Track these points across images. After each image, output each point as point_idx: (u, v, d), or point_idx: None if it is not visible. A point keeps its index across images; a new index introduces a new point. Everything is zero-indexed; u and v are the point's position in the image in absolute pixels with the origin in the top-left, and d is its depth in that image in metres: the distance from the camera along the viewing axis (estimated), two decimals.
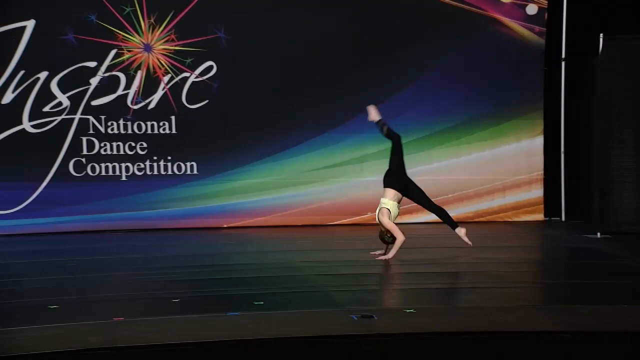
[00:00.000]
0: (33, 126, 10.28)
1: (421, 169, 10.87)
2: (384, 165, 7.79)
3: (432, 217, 8.81)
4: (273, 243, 9.71)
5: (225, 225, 10.97)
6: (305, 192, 11.15)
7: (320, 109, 10.98)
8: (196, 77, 10.49)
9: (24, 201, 10.24)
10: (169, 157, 10.65)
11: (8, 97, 10.24)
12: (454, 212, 9.65)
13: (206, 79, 10.61)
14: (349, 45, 10.79)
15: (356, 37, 10.82)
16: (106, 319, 5.32)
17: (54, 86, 10.37)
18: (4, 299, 6.30)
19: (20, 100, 10.43)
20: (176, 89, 10.76)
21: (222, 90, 10.82)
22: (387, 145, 7.76)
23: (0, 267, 7.98)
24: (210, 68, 10.67)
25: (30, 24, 10.24)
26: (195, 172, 10.72)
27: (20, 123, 10.39)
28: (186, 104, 10.65)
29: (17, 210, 10.21)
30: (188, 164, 10.71)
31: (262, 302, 5.72)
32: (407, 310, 5.39)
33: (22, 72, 10.26)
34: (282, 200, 11.18)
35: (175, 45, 10.63)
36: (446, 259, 8.03)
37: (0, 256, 8.69)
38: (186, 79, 10.56)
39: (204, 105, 10.69)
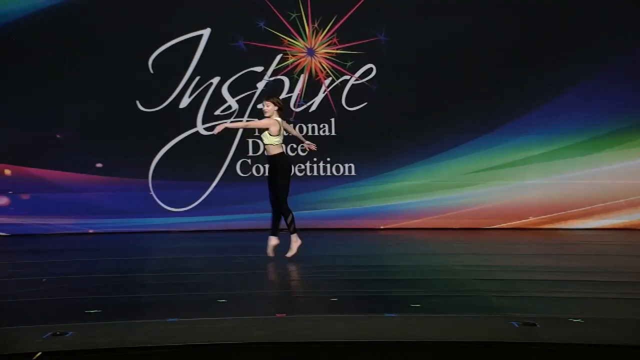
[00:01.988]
0: (205, 129, 10.58)
1: (590, 172, 10.43)
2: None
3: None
4: (429, 245, 9.57)
5: (382, 227, 10.99)
6: (463, 195, 11.01)
7: (478, 111, 10.81)
8: (356, 80, 10.65)
9: (196, 200, 10.61)
10: (328, 159, 10.80)
11: (185, 101, 10.64)
12: (628, 218, 9.16)
13: (365, 81, 10.71)
14: (510, 47, 10.54)
15: (518, 39, 10.57)
16: (269, 314, 5.47)
17: (224, 91, 10.67)
18: (177, 292, 6.46)
19: (195, 105, 10.76)
20: (336, 91, 10.89)
21: (381, 93, 10.92)
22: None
23: (173, 261, 8.33)
24: (369, 71, 10.74)
25: (206, 33, 10.61)
26: (353, 173, 10.84)
27: (195, 126, 10.77)
28: (345, 106, 10.83)
29: (190, 208, 10.53)
30: (346, 165, 10.88)
31: (419, 305, 5.65)
32: (574, 320, 5.13)
33: (197, 78, 10.61)
34: (439, 202, 11.04)
35: (337, 49, 10.75)
36: (612, 268, 7.62)
37: (174, 252, 9.10)
38: (346, 81, 10.72)
39: (363, 107, 10.81)
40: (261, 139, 8.23)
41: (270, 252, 7.86)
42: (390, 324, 5.09)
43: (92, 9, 10.55)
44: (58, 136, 10.58)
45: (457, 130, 10.84)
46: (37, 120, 10.58)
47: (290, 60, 10.67)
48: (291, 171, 8.07)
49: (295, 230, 7.91)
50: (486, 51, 10.76)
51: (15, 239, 10.02)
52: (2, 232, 10.38)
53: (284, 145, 8.14)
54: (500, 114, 10.81)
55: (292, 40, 10.76)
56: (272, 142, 7.85)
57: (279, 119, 7.96)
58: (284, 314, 5.36)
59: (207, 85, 10.63)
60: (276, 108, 7.86)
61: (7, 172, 10.32)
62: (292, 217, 7.76)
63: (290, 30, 10.80)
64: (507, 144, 10.82)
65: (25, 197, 10.36)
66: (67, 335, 4.96)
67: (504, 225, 10.86)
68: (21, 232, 10.30)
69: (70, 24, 10.56)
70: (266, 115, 7.85)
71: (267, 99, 7.92)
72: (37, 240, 9.93)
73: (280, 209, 7.75)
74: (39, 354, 4.47)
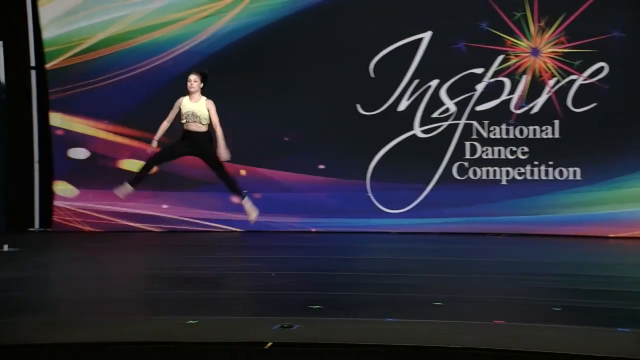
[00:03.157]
0: (422, 131, 10.33)
1: None
2: None
3: None
4: None
5: (610, 235, 9.94)
6: None
7: None
8: (584, 80, 9.92)
9: (413, 202, 10.35)
10: (551, 162, 10.14)
11: (403, 104, 10.29)
12: None
13: (595, 81, 9.88)
14: None
15: None
16: (483, 320, 5.20)
17: (442, 93, 10.29)
18: (394, 292, 6.24)
19: (412, 108, 10.34)
20: (562, 92, 9.96)
21: (613, 93, 9.85)
22: None
23: (390, 262, 7.99)
24: (600, 69, 9.88)
25: (427, 36, 10.20)
26: (578, 177, 10.05)
27: (412, 129, 10.35)
28: (571, 107, 9.97)
29: (407, 210, 10.36)
30: (571, 169, 10.05)
31: None
32: None
33: (416, 81, 10.25)
34: None
35: (564, 48, 9.90)
36: None
37: (391, 252, 8.68)
38: (573, 81, 9.93)
39: (591, 108, 9.90)
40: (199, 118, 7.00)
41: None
42: (622, 340, 4.70)
43: (320, 16, 10.32)
44: (286, 139, 10.45)
45: None
46: (268, 123, 10.36)
47: (513, 61, 10.12)
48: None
49: None
50: None
51: (249, 235, 10.14)
52: (238, 228, 10.37)
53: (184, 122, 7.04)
54: None
55: (516, 41, 10.08)
56: None
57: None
58: (503, 321, 5.11)
59: (425, 88, 10.30)
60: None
61: (243, 172, 10.33)
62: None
63: (513, 30, 10.08)
64: None
65: (257, 196, 10.13)
66: (293, 328, 4.89)
67: None
68: (254, 228, 9.89)
69: (301, 31, 10.32)
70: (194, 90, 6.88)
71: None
72: (267, 236, 10.00)
73: None
74: (270, 344, 4.50)
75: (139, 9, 10.41)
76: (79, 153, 10.38)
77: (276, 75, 10.52)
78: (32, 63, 10.32)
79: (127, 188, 7.01)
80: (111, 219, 10.51)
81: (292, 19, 10.55)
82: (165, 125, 7.32)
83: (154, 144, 7.13)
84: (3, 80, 8.42)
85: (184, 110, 6.87)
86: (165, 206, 10.55)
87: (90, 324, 5.03)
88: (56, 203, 10.48)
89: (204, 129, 6.94)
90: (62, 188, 10.30)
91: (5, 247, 8.14)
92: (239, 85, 10.52)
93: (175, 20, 10.46)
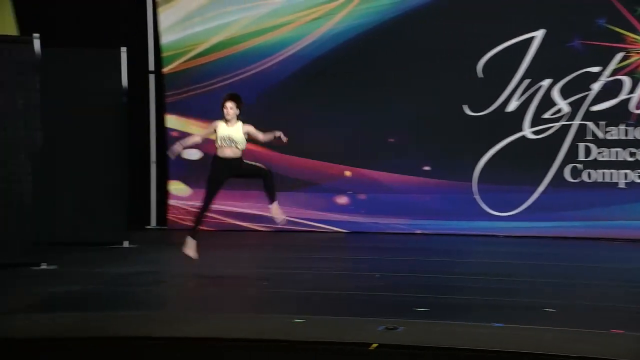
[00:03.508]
0: (533, 132, 9.83)
1: None
2: None
3: None
4: None
5: None
6: None
7: None
8: None
9: (522, 204, 9.90)
10: None
11: (513, 105, 9.83)
12: None
13: None
14: None
15: None
16: (601, 328, 4.90)
17: (555, 93, 9.75)
18: (503, 297, 5.95)
19: (522, 108, 9.85)
20: None
21: None
22: None
23: (499, 266, 7.57)
24: None
25: (539, 34, 9.71)
26: None
27: (521, 130, 9.81)
28: None
29: (515, 213, 9.93)
30: None
31: None
32: None
33: (527, 81, 9.79)
34: None
35: None
36: None
37: (499, 256, 8.25)
38: None
39: None
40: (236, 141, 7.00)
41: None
42: None
43: (428, 16, 10.05)
44: (391, 140, 10.12)
45: None
46: (374, 125, 10.09)
47: (634, 59, 9.60)
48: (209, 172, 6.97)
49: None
50: None
51: (353, 236, 9.94)
52: (342, 229, 10.20)
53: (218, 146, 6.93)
54: None
55: (637, 37, 9.56)
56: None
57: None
58: (622, 331, 4.83)
59: (537, 88, 9.82)
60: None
61: (348, 173, 10.22)
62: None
63: (635, 27, 9.50)
64: None
65: (362, 197, 10.27)
66: (399, 330, 4.71)
67: None
68: (358, 229, 10.13)
69: (408, 32, 9.99)
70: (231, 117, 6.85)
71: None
72: (372, 237, 9.77)
73: None
74: (375, 345, 4.41)
75: (250, 13, 10.37)
76: (193, 154, 10.65)
77: (383, 77, 10.35)
78: (151, 67, 10.13)
79: (192, 243, 6.94)
80: (222, 218, 10.74)
81: (400, 20, 10.30)
82: (197, 140, 7.32)
83: (177, 151, 7.11)
84: (125, 84, 8.84)
85: (220, 135, 6.69)
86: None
87: (198, 320, 5.15)
88: (171, 202, 10.85)
89: (239, 154, 6.83)
90: (176, 187, 10.58)
91: (126, 244, 8.53)
92: (345, 87, 10.41)
93: (284, 24, 10.45)
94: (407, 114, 9.80)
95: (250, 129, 6.86)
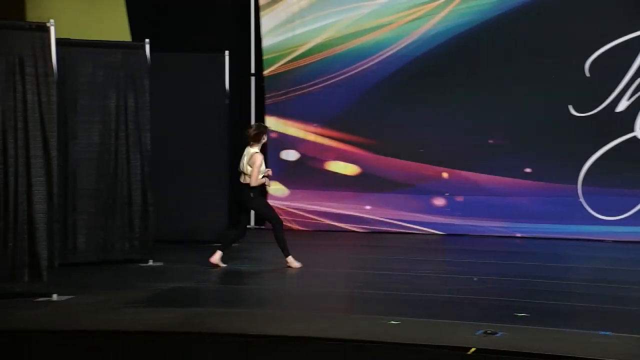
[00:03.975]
0: None
1: None
2: None
3: None
4: None
5: None
6: None
7: None
8: None
9: (631, 209, 9.64)
10: None
11: (622, 105, 9.53)
12: None
13: None
14: None
15: None
16: None
17: None
18: (610, 304, 5.82)
19: (633, 108, 9.48)
20: None
21: None
22: None
23: (605, 272, 7.35)
24: None
25: None
26: None
27: (632, 130, 9.49)
28: None
29: (624, 218, 9.64)
30: None
31: None
32: None
33: (638, 80, 9.52)
34: None
35: None
36: None
37: (605, 262, 8.07)
38: None
39: None
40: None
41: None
42: None
43: (531, 15, 9.78)
44: (490, 141, 9.91)
45: None
46: (473, 125, 9.90)
47: None
48: (263, 202, 7.34)
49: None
50: None
51: (450, 238, 9.77)
52: (438, 230, 10.02)
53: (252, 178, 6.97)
54: None
55: None
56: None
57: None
58: None
59: None
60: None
61: (445, 175, 10.07)
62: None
63: None
64: None
65: (459, 199, 10.10)
66: (498, 335, 4.61)
67: None
68: (455, 231, 9.94)
69: (510, 31, 9.76)
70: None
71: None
72: (468, 240, 9.58)
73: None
74: (473, 349, 4.33)
75: (350, 14, 10.37)
76: (290, 155, 10.84)
77: (483, 77, 10.17)
78: (252, 70, 10.33)
79: (219, 255, 7.27)
80: (318, 218, 10.84)
81: (501, 19, 10.05)
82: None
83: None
84: (227, 87, 9.08)
85: (264, 168, 7.30)
86: (367, 207, 10.75)
87: (297, 319, 5.18)
88: (269, 202, 11.07)
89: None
90: (275, 188, 10.79)
91: None
92: (445, 87, 10.29)
93: (384, 24, 10.41)
94: (508, 115, 9.55)
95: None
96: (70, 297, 5.68)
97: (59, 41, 5.82)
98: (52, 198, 5.44)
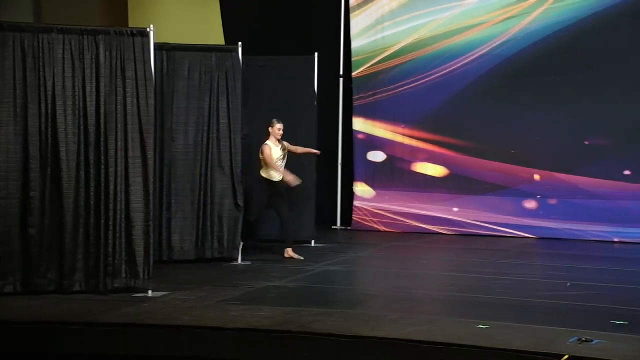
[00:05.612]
0: None
1: None
2: None
3: None
4: None
5: None
6: None
7: None
8: None
9: None
10: None
11: None
12: None
13: None
14: None
15: None
16: None
17: None
18: None
19: None
20: None
21: None
22: None
23: None
24: None
25: None
26: None
27: None
28: None
29: None
30: None
31: None
32: None
33: None
34: None
35: None
36: None
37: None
38: None
39: None
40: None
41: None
42: None
43: (630, 12, 9.64)
44: (587, 142, 9.73)
45: None
46: (569, 125, 9.74)
47: None
48: (255, 189, 7.64)
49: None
50: None
51: (543, 242, 9.58)
52: (530, 234, 9.86)
53: (267, 170, 7.63)
54: None
55: None
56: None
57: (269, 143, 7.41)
58: None
59: None
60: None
61: (537, 177, 9.90)
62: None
63: None
64: None
65: (552, 201, 9.91)
66: (593, 342, 4.52)
67: None
68: (548, 235, 9.72)
69: (608, 30, 9.67)
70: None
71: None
72: (564, 244, 9.38)
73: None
74: (566, 356, 4.23)
75: (441, 15, 10.27)
76: (377, 156, 10.85)
77: (579, 76, 9.89)
78: (341, 72, 10.41)
79: (290, 249, 7.78)
80: (404, 220, 10.82)
81: (598, 17, 9.83)
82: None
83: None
84: (316, 88, 9.22)
85: (276, 156, 7.48)
86: (455, 209, 10.64)
87: (389, 321, 5.19)
88: (355, 203, 11.14)
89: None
90: (361, 189, 10.79)
91: (313, 242, 8.87)
92: (539, 87, 10.03)
93: (476, 24, 10.28)
94: (605, 115, 9.28)
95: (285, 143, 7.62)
96: (165, 293, 5.87)
97: (157, 45, 6.05)
98: (148, 197, 5.65)
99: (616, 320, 5.22)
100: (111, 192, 5.62)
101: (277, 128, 7.62)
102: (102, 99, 5.60)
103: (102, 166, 5.63)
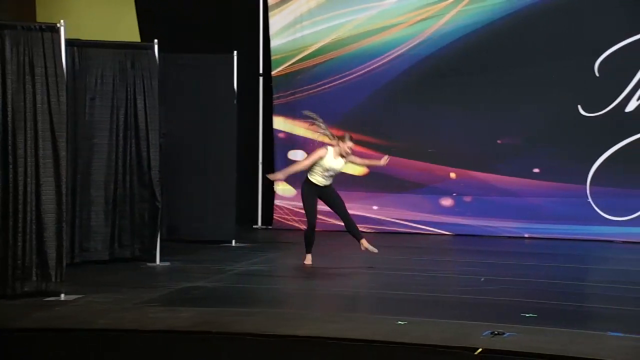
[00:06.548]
0: None
1: None
2: None
3: None
4: None
5: None
6: None
7: None
8: None
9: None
10: None
11: (632, 104, 9.52)
12: None
13: None
14: None
15: None
16: None
17: None
18: (622, 305, 5.81)
19: None
20: None
21: None
22: None
23: (615, 273, 7.43)
24: None
25: None
26: None
27: None
28: None
29: (634, 218, 9.62)
30: None
31: None
32: None
33: None
34: None
35: None
36: None
37: (613, 262, 8.13)
38: None
39: None
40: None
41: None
42: None
43: (539, 15, 9.80)
44: (499, 141, 9.93)
45: None
46: (481, 126, 9.96)
47: None
48: (304, 194, 7.61)
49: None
50: None
51: (459, 239, 9.77)
52: (447, 231, 10.01)
53: (314, 174, 7.56)
54: None
55: None
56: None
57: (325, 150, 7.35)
58: None
59: None
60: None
61: (452, 175, 10.08)
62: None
63: None
64: None
65: (467, 199, 10.09)
66: (505, 335, 4.63)
67: None
68: (464, 232, 9.92)
69: (518, 32, 9.79)
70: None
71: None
72: (479, 240, 9.59)
73: None
74: (480, 350, 4.34)
75: (359, 15, 10.36)
76: (298, 155, 10.84)
77: (492, 77, 10.20)
78: (260, 71, 10.39)
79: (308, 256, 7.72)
80: (325, 218, 10.75)
81: (510, 19, 10.10)
82: (300, 169, 7.80)
83: (279, 178, 8.08)
84: (235, 87, 9.14)
85: (326, 166, 7.39)
86: (375, 207, 10.75)
87: (313, 319, 5.11)
88: (276, 202, 11.09)
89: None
90: (282, 188, 10.72)
91: (234, 242, 8.78)
92: (453, 87, 10.28)
93: (393, 25, 10.39)
94: (516, 115, 9.54)
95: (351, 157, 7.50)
96: (79, 296, 5.68)
97: (68, 42, 5.84)
98: (60, 197, 5.45)
99: (526, 313, 5.40)
100: (20, 193, 5.40)
101: (348, 146, 7.34)
102: (8, 97, 5.35)
103: (11, 166, 5.38)
